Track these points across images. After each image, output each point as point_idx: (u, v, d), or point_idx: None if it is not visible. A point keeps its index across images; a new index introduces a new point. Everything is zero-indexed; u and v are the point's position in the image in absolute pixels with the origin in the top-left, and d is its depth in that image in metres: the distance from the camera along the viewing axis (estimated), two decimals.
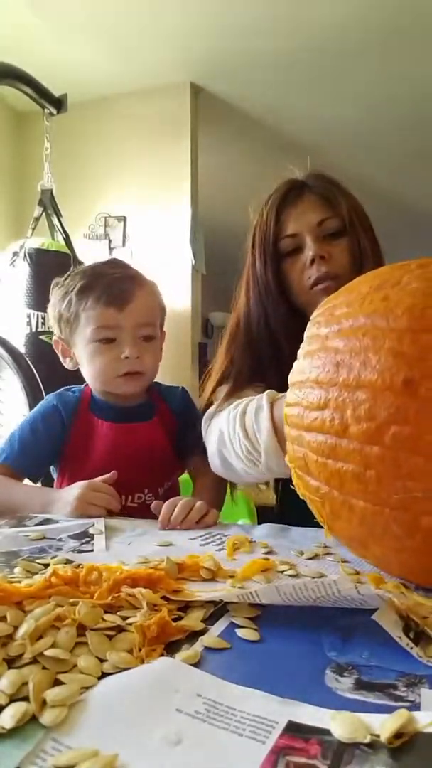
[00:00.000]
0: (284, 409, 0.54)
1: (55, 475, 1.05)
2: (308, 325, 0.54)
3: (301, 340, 0.89)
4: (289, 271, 0.91)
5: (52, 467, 1.05)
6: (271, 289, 0.91)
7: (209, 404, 0.92)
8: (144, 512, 0.93)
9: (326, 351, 0.48)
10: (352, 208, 0.91)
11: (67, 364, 0.99)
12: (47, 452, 0.98)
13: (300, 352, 0.54)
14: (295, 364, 0.54)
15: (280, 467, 0.71)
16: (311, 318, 0.55)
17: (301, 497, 0.53)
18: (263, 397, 0.73)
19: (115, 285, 0.92)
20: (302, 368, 0.51)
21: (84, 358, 0.94)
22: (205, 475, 0.95)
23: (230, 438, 0.76)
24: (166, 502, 0.77)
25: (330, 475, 0.46)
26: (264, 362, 0.91)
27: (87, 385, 1.01)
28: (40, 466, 0.99)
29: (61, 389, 1.04)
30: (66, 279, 0.96)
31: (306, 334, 0.54)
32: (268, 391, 0.74)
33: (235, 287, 0.98)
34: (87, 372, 0.96)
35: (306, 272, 0.89)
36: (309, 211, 0.90)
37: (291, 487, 0.73)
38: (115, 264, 1.00)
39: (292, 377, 0.53)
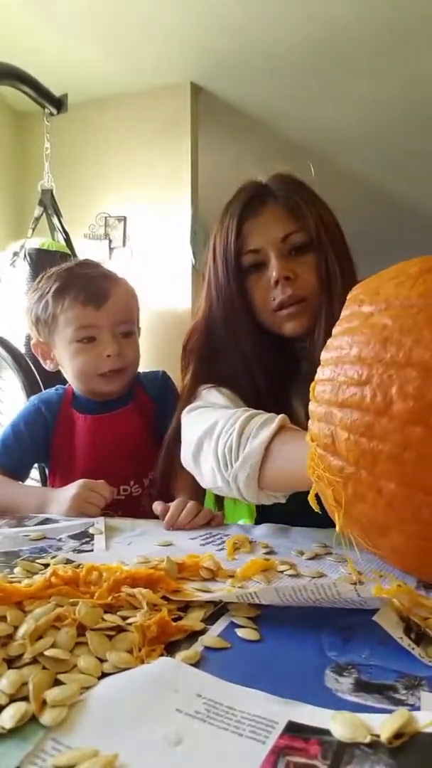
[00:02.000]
0: (314, 386, 0.52)
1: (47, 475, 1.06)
2: (346, 304, 0.53)
3: (270, 357, 0.88)
4: (252, 288, 0.86)
5: (45, 468, 1.06)
6: (237, 305, 0.86)
7: (187, 399, 0.88)
8: (131, 504, 0.94)
9: (371, 328, 0.47)
10: (319, 221, 0.84)
11: (48, 366, 1.01)
12: (30, 452, 1.00)
13: (336, 330, 0.52)
14: (330, 341, 0.52)
15: (246, 484, 0.68)
16: (349, 297, 0.53)
17: (314, 480, 0.51)
18: (277, 417, 0.70)
19: (91, 284, 0.93)
20: (340, 345, 0.49)
21: (65, 358, 0.95)
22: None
23: (221, 430, 0.71)
24: (173, 504, 0.77)
25: (361, 454, 0.45)
26: (233, 374, 0.87)
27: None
28: (23, 466, 1.01)
29: (46, 390, 1.06)
30: (39, 282, 0.97)
31: (344, 312, 0.52)
32: (284, 415, 0.70)
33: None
34: (69, 372, 0.97)
35: (270, 293, 0.84)
36: (272, 224, 0.84)
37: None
38: (87, 264, 1.01)
39: (326, 355, 0.51)
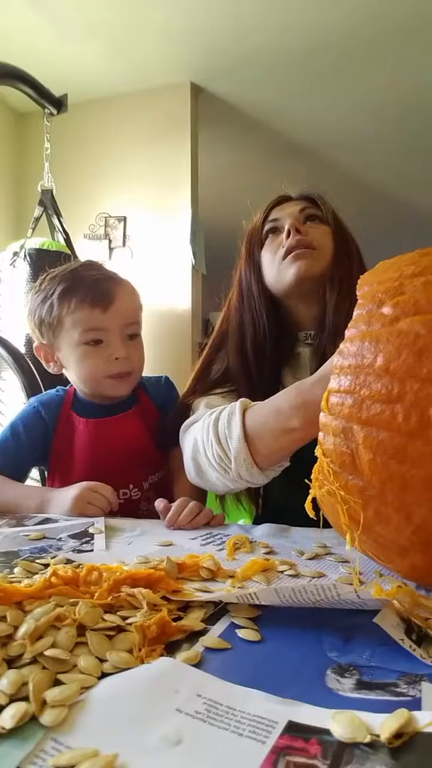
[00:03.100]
0: (326, 396, 0.47)
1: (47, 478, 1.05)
2: (361, 301, 0.48)
3: (270, 346, 0.90)
4: (266, 251, 0.91)
5: (45, 471, 1.06)
6: (252, 289, 0.91)
7: (184, 403, 0.93)
8: (130, 508, 0.94)
9: (400, 336, 0.41)
10: (337, 218, 0.92)
11: (51, 369, 1.00)
12: (28, 455, 0.99)
13: (351, 332, 0.47)
14: (346, 346, 0.46)
15: (250, 474, 0.72)
16: (362, 292, 0.48)
17: (321, 493, 0.48)
18: (236, 404, 0.74)
19: (97, 286, 0.92)
20: (360, 352, 0.44)
21: (72, 361, 0.94)
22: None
23: (203, 445, 0.76)
24: (175, 503, 0.77)
25: (389, 477, 0.41)
26: (233, 369, 0.92)
27: (72, 385, 1.02)
28: (21, 469, 1.00)
29: (46, 391, 1.05)
30: (42, 284, 0.96)
31: (358, 311, 0.47)
32: (242, 399, 0.75)
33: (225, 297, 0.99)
34: (75, 375, 0.96)
35: (280, 248, 0.89)
36: (292, 205, 0.93)
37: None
38: (90, 266, 1.00)
39: (342, 361, 0.46)
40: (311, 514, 0.52)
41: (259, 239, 0.93)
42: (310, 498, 0.51)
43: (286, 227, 0.88)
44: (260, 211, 0.96)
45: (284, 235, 0.88)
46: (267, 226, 0.92)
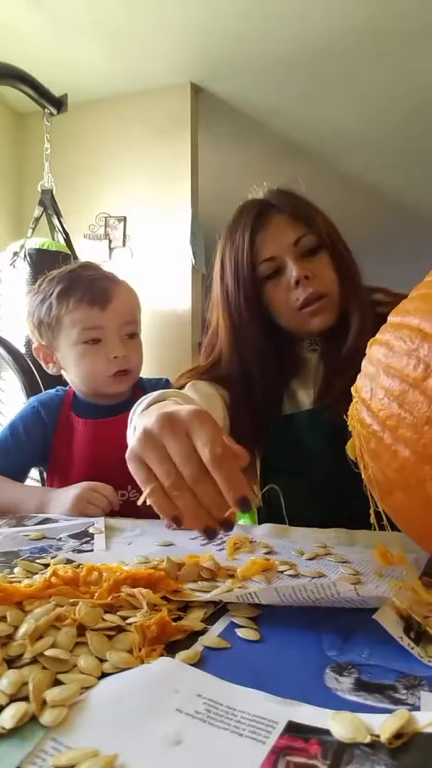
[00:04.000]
0: (370, 344, 0.53)
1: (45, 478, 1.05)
2: None
3: (270, 364, 0.90)
4: (271, 295, 0.88)
5: (44, 471, 1.06)
6: (243, 315, 0.89)
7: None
8: (129, 510, 0.94)
9: None
10: (326, 223, 0.89)
11: (50, 370, 1.00)
12: (28, 455, 0.99)
13: (412, 293, 0.52)
14: (404, 303, 0.52)
15: None
16: None
17: (350, 425, 0.54)
18: (162, 391, 0.70)
19: (95, 285, 0.93)
20: (408, 310, 0.50)
21: (70, 360, 0.94)
22: None
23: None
24: None
25: (389, 416, 0.47)
26: (235, 395, 0.91)
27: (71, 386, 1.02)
28: (21, 469, 1.00)
29: (46, 391, 1.05)
30: (40, 285, 0.96)
31: (427, 278, 0.52)
32: (171, 389, 0.72)
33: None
34: (74, 374, 0.96)
35: (292, 294, 0.86)
36: (282, 232, 0.87)
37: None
38: (88, 266, 1.01)
39: (392, 318, 0.52)
40: (352, 455, 0.55)
41: (252, 276, 0.88)
42: (351, 442, 0.55)
43: (294, 276, 0.85)
44: (240, 232, 0.88)
45: (292, 282, 0.86)
46: (264, 267, 0.87)
